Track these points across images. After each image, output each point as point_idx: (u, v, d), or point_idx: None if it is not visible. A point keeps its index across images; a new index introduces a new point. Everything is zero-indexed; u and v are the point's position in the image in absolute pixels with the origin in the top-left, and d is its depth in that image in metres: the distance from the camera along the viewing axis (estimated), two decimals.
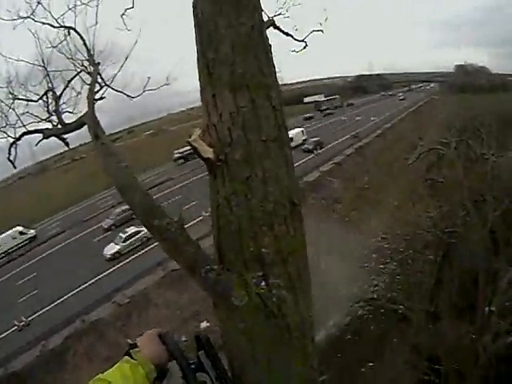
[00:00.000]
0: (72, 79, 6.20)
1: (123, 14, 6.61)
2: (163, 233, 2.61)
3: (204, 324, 23.21)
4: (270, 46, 2.73)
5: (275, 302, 2.44)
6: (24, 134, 6.18)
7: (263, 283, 2.44)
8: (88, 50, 5.75)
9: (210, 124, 2.53)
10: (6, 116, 6.55)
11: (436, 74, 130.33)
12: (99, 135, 4.01)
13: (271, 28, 5.64)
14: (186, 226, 2.64)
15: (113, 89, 6.17)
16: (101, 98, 5.74)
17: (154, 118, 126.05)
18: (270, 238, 2.47)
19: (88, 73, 5.80)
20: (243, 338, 2.50)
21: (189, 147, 2.56)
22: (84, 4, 6.20)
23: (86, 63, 5.95)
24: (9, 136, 6.33)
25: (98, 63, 5.64)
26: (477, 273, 18.73)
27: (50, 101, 6.19)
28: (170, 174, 52.87)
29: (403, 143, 46.82)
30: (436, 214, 25.23)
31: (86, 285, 27.75)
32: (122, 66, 6.24)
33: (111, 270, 29.28)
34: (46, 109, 6.22)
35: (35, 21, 6.15)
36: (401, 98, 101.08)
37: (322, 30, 7.72)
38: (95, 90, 5.22)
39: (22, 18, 6.37)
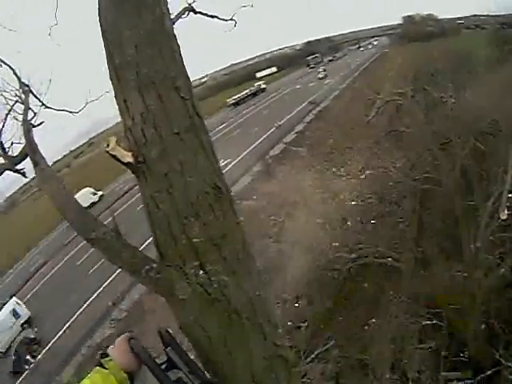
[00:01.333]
0: (8, 113, 5.98)
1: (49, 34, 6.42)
2: (100, 243, 2.65)
3: None
4: (175, 35, 2.71)
5: (216, 287, 2.48)
6: None
7: (201, 272, 2.46)
8: (18, 78, 5.55)
9: (126, 129, 2.55)
10: None
11: (384, 27, 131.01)
12: (38, 161, 3.95)
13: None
14: None
15: (52, 108, 6.04)
16: (39, 124, 5.59)
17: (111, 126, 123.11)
18: (199, 227, 2.49)
19: (21, 102, 5.60)
20: (197, 327, 2.53)
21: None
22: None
23: (18, 93, 5.73)
24: None
25: (28, 86, 5.51)
26: (456, 213, 19.13)
27: None
28: None
29: (361, 101, 47.09)
30: (405, 163, 25.52)
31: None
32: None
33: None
34: None
35: None
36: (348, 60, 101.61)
37: (251, 5, 7.58)
38: (29, 116, 5.07)
39: None
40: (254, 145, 45.33)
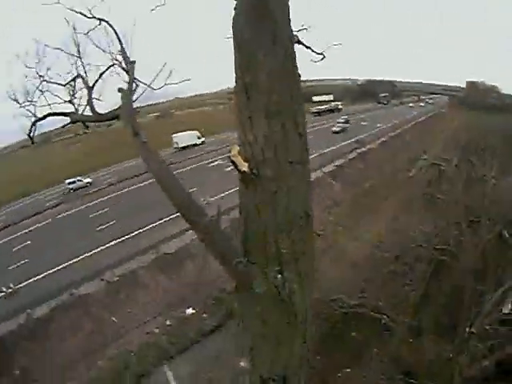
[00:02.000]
0: (104, 72, 6.35)
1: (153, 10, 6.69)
2: (203, 230, 3.27)
3: (190, 311, 23.34)
4: (300, 75, 3.23)
5: (287, 292, 3.09)
6: (50, 114, 6.31)
7: (279, 277, 3.09)
8: (121, 44, 5.82)
9: (245, 142, 3.09)
10: (28, 93, 6.64)
11: (446, 87, 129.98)
12: (139, 133, 4.26)
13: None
14: None
15: (140, 81, 6.25)
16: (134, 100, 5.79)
17: (161, 101, 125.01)
18: (288, 242, 3.10)
19: (123, 69, 5.87)
20: (258, 318, 3.17)
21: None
22: None
23: (119, 57, 6.02)
24: (34, 116, 6.44)
25: (134, 61, 5.70)
26: (463, 293, 18.92)
27: (76, 86, 6.33)
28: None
29: (407, 154, 46.93)
30: (431, 229, 25.33)
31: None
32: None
33: None
34: (71, 92, 6.36)
35: (68, 9, 6.24)
36: (410, 105, 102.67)
37: (340, 44, 7.81)
38: (133, 88, 5.36)
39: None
40: None
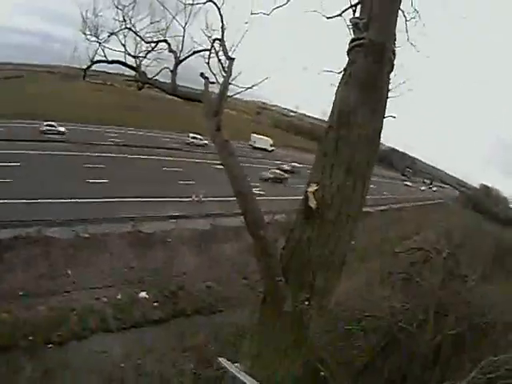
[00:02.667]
0: (198, 52, 6.34)
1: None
2: (261, 241, 3.65)
3: (143, 294, 23.18)
4: (378, 145, 3.82)
5: (308, 317, 3.56)
6: (119, 62, 6.35)
7: (307, 303, 3.53)
8: (222, 29, 5.85)
9: (321, 184, 3.53)
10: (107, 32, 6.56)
11: (459, 181, 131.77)
12: (221, 128, 4.41)
13: None
14: None
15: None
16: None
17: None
18: (323, 278, 3.57)
19: (218, 59, 5.80)
20: (274, 331, 3.61)
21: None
22: None
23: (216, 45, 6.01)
24: (104, 60, 6.45)
25: (233, 59, 5.65)
26: (408, 375, 18.95)
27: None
28: None
29: (400, 229, 47.30)
30: (399, 306, 25.34)
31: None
32: None
33: None
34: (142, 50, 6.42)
35: None
36: (422, 188, 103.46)
37: (394, 116, 8.08)
38: (228, 86, 5.35)
39: None
40: None
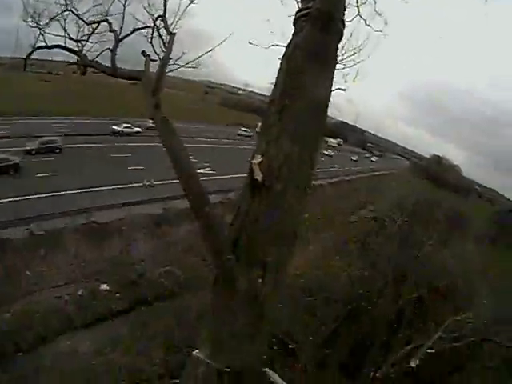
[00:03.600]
0: (138, 30, 6.27)
1: None
2: (204, 219, 3.48)
3: (104, 286, 22.81)
4: (325, 116, 3.69)
5: (263, 295, 3.37)
6: (60, 46, 6.09)
7: (260, 280, 3.34)
8: (164, 5, 5.72)
9: (267, 155, 3.37)
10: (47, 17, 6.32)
11: (411, 152, 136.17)
12: (160, 106, 4.25)
13: None
14: None
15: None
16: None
17: None
18: (275, 253, 3.39)
19: (160, 36, 5.77)
20: (229, 312, 3.38)
21: None
22: None
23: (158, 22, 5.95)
24: (45, 46, 6.18)
25: (174, 34, 5.54)
26: (373, 340, 19.64)
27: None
28: None
29: (354, 200, 48.40)
30: (357, 274, 26.00)
31: None
32: None
33: None
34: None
35: None
36: (372, 159, 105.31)
37: (344, 89, 8.09)
38: (168, 61, 5.24)
39: None
40: None
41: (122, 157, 41.54)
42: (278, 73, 3.60)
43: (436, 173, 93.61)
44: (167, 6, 5.75)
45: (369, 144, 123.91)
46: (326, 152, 79.37)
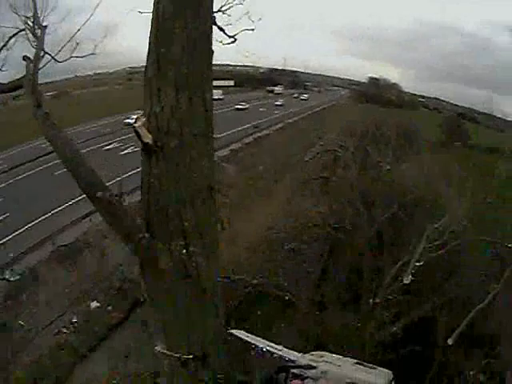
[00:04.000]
0: (12, 36, 5.69)
1: None
2: (104, 204, 3.12)
3: (94, 304, 22.54)
4: (213, 52, 3.37)
5: (194, 266, 3.09)
6: None
7: (184, 251, 3.06)
8: (35, 6, 5.29)
9: (151, 113, 3.09)
10: None
11: (349, 81, 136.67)
12: (41, 104, 4.06)
13: None
14: None
15: (46, 52, 5.83)
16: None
17: (58, 79, 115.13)
18: (192, 215, 3.10)
19: (33, 33, 5.32)
20: (166, 296, 3.14)
21: None
22: None
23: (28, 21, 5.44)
24: None
25: (45, 26, 5.23)
26: (362, 268, 20.36)
27: None
28: None
29: (303, 141, 48.68)
30: (326, 210, 26.51)
31: None
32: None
33: None
34: None
35: None
36: (302, 98, 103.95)
37: (253, 29, 7.89)
38: (41, 55, 4.92)
39: None
40: None
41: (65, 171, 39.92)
42: (151, 24, 3.26)
43: (376, 94, 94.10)
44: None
45: (306, 83, 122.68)
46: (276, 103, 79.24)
